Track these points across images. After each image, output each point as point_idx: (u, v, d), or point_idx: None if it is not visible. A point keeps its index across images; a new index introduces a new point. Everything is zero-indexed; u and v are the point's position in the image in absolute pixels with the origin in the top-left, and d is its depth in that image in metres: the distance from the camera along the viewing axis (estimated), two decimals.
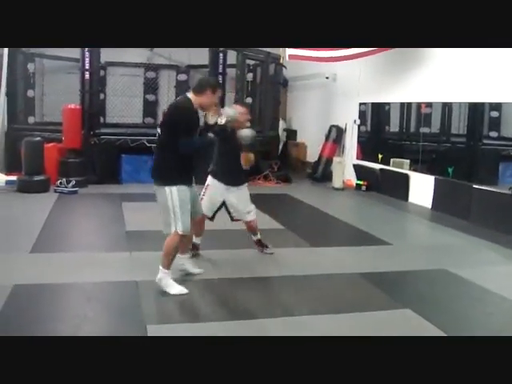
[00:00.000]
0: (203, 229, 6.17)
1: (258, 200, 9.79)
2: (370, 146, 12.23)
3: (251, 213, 6.32)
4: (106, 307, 4.81)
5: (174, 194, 4.92)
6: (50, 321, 4.44)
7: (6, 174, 10.93)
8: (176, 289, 5.03)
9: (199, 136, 5.06)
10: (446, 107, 10.08)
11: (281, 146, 15.07)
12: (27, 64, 13.33)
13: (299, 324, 4.49)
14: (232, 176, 6.10)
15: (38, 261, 5.97)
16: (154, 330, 4.21)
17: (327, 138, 13.09)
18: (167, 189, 4.93)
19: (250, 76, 14.37)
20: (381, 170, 11.43)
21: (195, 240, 6.15)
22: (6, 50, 11.80)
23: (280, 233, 7.62)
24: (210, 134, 5.16)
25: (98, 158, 11.30)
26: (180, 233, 4.99)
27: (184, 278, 5.41)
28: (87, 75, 11.35)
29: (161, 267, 5.07)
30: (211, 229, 6.41)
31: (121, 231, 7.39)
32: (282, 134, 15.24)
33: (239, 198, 6.21)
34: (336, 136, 12.94)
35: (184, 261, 5.56)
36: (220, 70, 11.71)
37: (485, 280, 5.72)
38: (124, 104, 15.33)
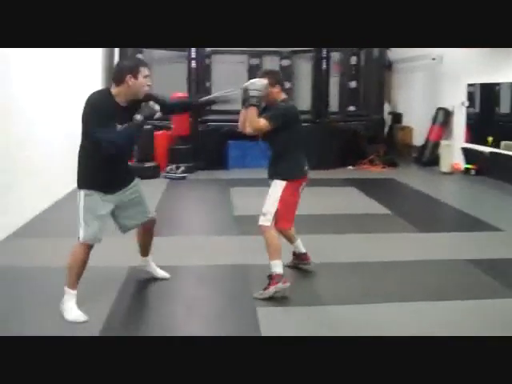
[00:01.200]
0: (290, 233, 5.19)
1: (363, 185, 9.86)
2: (479, 128, 11.81)
3: (265, 216, 4.79)
4: (217, 289, 4.99)
5: (80, 199, 4.25)
6: (165, 301, 4.67)
7: None
8: (72, 315, 4.18)
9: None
10: None
11: (386, 130, 14.87)
12: (136, 54, 13.83)
13: (401, 310, 4.46)
14: (269, 168, 5.01)
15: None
16: (264, 313, 4.33)
17: (434, 120, 12.76)
18: (78, 192, 4.28)
19: (354, 59, 14.25)
20: (491, 153, 11.03)
21: (295, 248, 5.31)
22: None
23: (386, 218, 7.56)
24: (138, 116, 4.15)
25: (205, 145, 11.59)
26: (81, 241, 4.26)
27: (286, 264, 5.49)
28: (193, 64, 11.68)
29: (65, 287, 4.29)
30: (308, 213, 6.54)
31: (229, 215, 7.59)
32: (388, 118, 14.99)
33: (268, 193, 4.88)
34: (443, 119, 12.58)
35: (146, 262, 5.09)
36: (324, 54, 11.66)
37: None
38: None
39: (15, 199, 6.62)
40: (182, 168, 10.70)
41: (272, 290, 4.60)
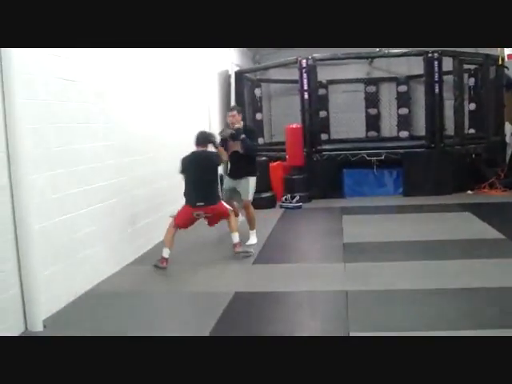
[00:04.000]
0: None
1: (479, 209, 9.59)
2: None
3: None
4: (315, 314, 5.14)
5: None
6: (266, 324, 4.90)
7: None
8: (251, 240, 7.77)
9: None
10: None
11: (510, 152, 14.34)
12: (254, 89, 14.41)
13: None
14: None
15: (258, 271, 6.57)
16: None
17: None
18: None
19: (472, 81, 13.96)
20: None
21: None
22: (233, 79, 12.89)
23: (498, 243, 7.31)
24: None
25: (320, 174, 11.78)
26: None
27: (386, 289, 5.57)
28: (306, 95, 11.93)
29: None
30: (417, 239, 6.79)
31: (338, 243, 7.68)
32: (511, 139, 14.46)
33: None
34: None
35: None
36: (436, 78, 11.54)
37: None
38: (347, 119, 15.81)
39: (139, 230, 7.37)
40: (297, 197, 10.94)
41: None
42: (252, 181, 7.80)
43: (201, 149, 7.09)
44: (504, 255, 6.70)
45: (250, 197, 7.87)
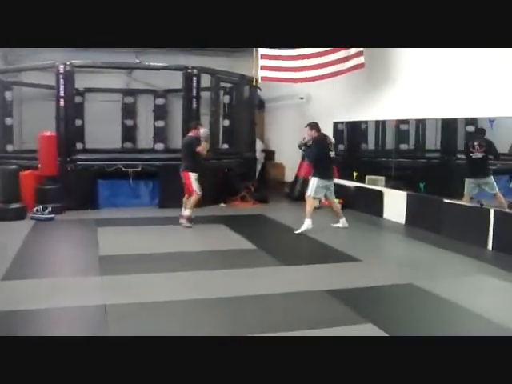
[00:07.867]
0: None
1: (232, 221, 9.98)
2: (345, 164, 12.28)
3: None
4: (73, 331, 4.84)
5: None
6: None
7: None
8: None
9: None
10: (420, 124, 10.30)
11: (259, 167, 15.18)
12: (4, 92, 13.44)
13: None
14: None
15: (8, 288, 6.02)
16: None
17: (303, 157, 13.18)
18: None
19: (227, 98, 14.54)
20: (356, 187, 11.57)
21: None
22: None
23: (250, 253, 7.70)
24: None
25: (74, 184, 11.32)
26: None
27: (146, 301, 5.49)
28: (62, 102, 11.40)
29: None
30: (174, 251, 6.76)
31: (94, 256, 7.41)
32: (261, 155, 15.33)
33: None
34: None
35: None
36: (194, 93, 11.81)
37: (451, 292, 5.83)
38: (103, 129, 15.47)
39: None
40: (49, 208, 10.37)
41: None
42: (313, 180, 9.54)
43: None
44: (257, 264, 7.07)
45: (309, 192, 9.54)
